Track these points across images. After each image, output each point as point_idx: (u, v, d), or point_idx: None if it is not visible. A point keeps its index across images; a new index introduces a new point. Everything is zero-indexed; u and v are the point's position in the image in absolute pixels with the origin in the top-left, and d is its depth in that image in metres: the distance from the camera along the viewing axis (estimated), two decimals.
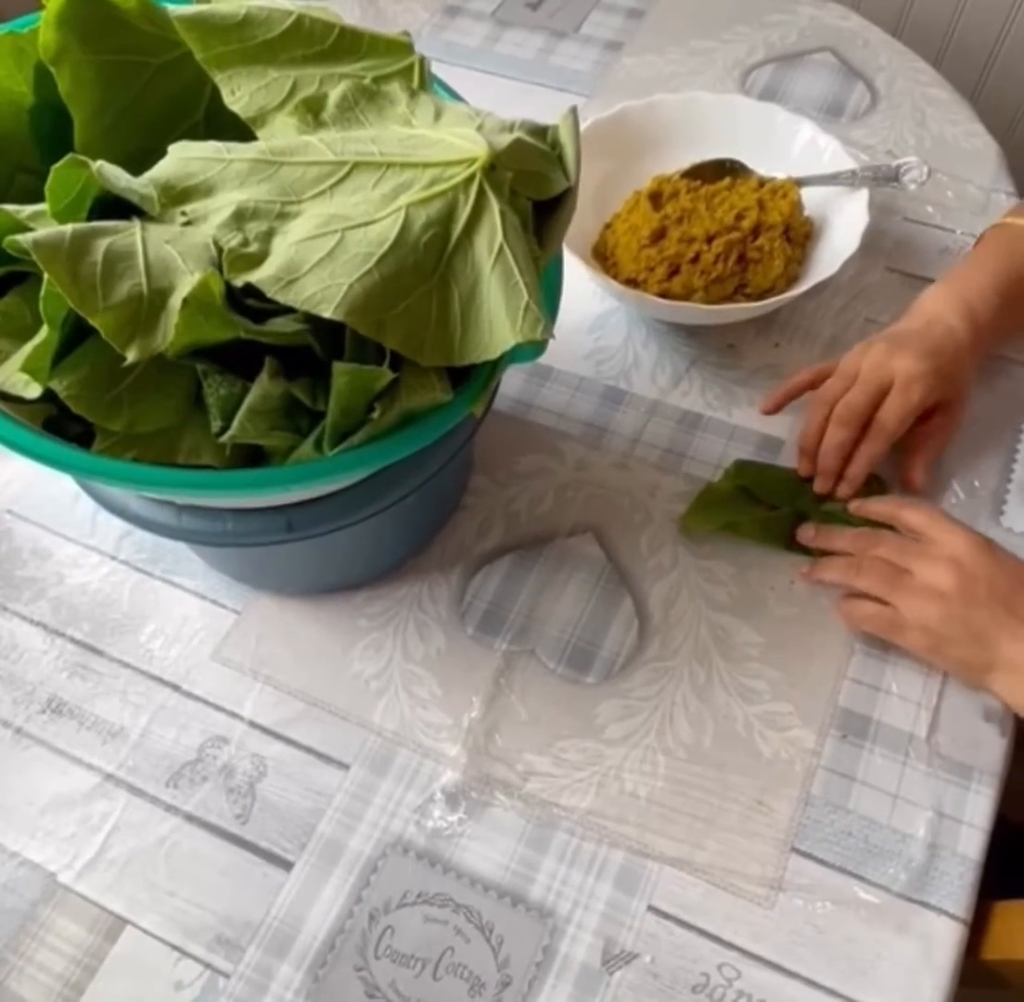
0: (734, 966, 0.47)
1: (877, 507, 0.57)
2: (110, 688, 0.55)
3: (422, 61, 0.44)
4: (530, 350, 0.39)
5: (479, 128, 0.40)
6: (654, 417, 0.65)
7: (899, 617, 0.52)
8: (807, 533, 0.58)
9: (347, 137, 0.39)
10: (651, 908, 0.48)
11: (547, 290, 0.43)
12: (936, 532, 0.52)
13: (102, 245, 0.36)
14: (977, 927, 0.48)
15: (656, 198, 0.67)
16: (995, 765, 0.51)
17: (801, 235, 0.66)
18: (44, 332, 0.37)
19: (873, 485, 0.60)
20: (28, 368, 0.37)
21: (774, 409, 0.63)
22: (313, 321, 0.37)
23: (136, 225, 0.37)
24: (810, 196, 0.67)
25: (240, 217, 0.37)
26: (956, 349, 0.58)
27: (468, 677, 0.55)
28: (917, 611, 0.51)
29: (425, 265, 0.37)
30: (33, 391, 0.38)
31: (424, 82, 0.44)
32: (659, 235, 0.64)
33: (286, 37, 0.42)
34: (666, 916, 0.48)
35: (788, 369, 0.67)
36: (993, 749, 0.52)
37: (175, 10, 0.41)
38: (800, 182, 0.67)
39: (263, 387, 0.38)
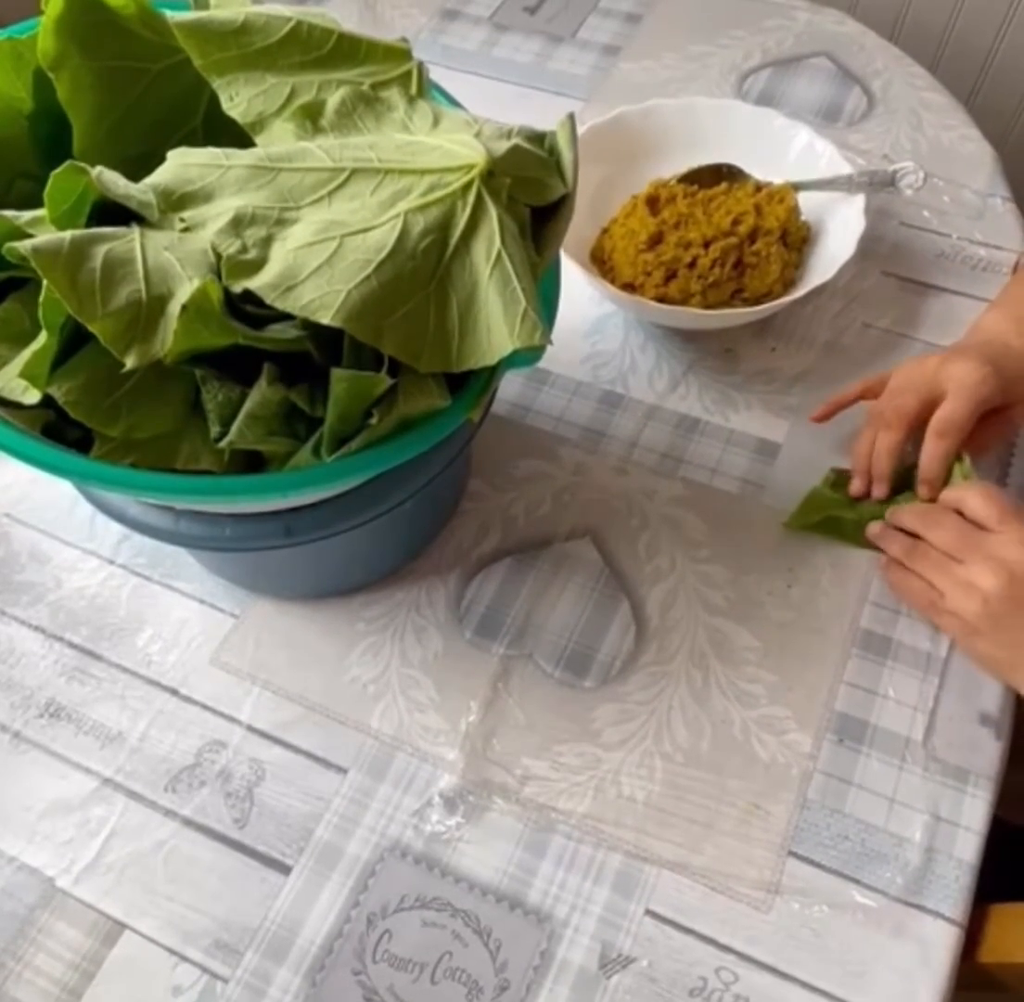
0: (731, 970, 0.47)
1: (948, 494, 0.55)
2: (108, 692, 0.55)
3: (420, 67, 0.44)
4: (528, 356, 0.39)
5: (477, 134, 0.40)
6: (651, 421, 0.65)
7: (941, 601, 0.52)
8: (873, 530, 0.58)
9: (345, 143, 0.40)
10: (648, 912, 0.48)
11: (545, 296, 0.43)
12: (996, 526, 0.51)
13: (101, 251, 0.36)
14: (973, 930, 0.48)
15: (653, 203, 0.67)
16: (991, 769, 0.51)
17: (798, 240, 0.67)
18: (43, 338, 0.37)
19: (904, 492, 0.59)
20: (27, 374, 0.37)
21: (824, 418, 0.63)
22: (311, 327, 0.37)
23: (135, 231, 0.37)
24: (807, 201, 0.68)
25: (238, 223, 0.37)
26: (1013, 360, 0.58)
27: (466, 681, 0.55)
28: (957, 602, 0.51)
29: (423, 272, 0.38)
30: (32, 397, 0.38)
31: (422, 88, 0.44)
32: (656, 240, 0.65)
33: (284, 43, 0.42)
34: (663, 920, 0.48)
35: (785, 373, 0.67)
36: (989, 753, 0.52)
37: (174, 16, 0.41)
38: (797, 187, 0.68)
39: (261, 393, 0.38)
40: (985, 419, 0.57)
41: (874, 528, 0.58)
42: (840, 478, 0.61)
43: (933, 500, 0.57)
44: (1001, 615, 0.50)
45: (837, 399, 0.63)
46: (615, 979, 0.47)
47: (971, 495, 0.53)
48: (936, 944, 0.47)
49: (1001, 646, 0.50)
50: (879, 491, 0.59)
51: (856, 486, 0.60)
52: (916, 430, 0.57)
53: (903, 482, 0.59)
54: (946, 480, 0.58)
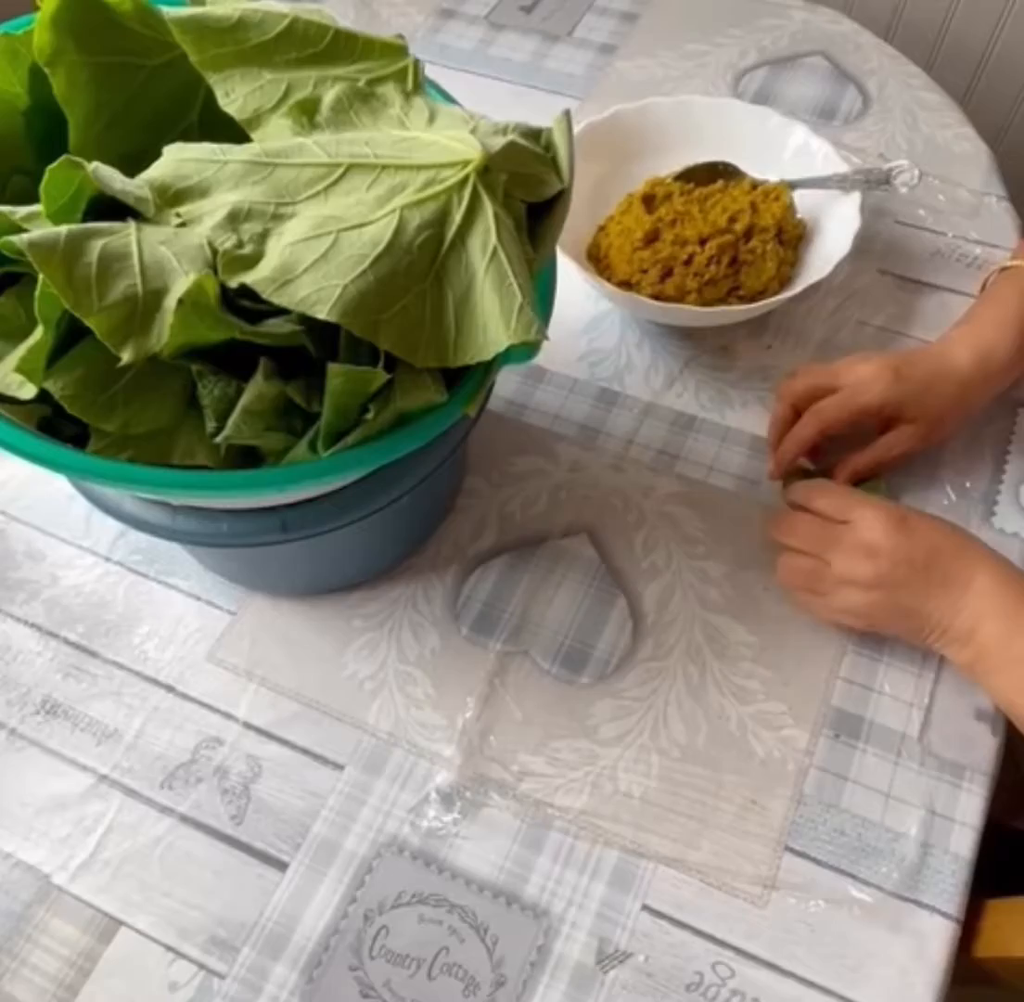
0: (728, 965, 0.47)
1: (792, 495, 0.57)
2: (104, 689, 0.55)
3: (416, 64, 0.44)
4: (524, 352, 0.39)
5: (473, 131, 0.41)
6: (648, 419, 0.65)
7: (831, 604, 0.53)
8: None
9: (341, 139, 0.40)
10: (645, 907, 0.48)
11: (541, 292, 0.43)
12: (850, 513, 0.52)
13: (97, 246, 0.36)
14: (969, 925, 0.48)
15: (649, 201, 0.67)
16: (987, 764, 0.51)
17: (793, 238, 0.67)
18: (39, 333, 0.37)
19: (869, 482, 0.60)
20: (23, 369, 0.37)
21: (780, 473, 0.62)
22: (308, 322, 0.37)
23: (131, 226, 0.37)
24: (802, 199, 0.68)
25: (235, 218, 0.37)
26: (944, 378, 0.57)
27: (463, 677, 0.55)
28: (842, 600, 0.52)
29: (419, 267, 0.38)
30: (28, 392, 0.38)
31: (418, 85, 0.44)
32: (652, 237, 0.65)
33: (280, 40, 0.42)
34: (660, 915, 0.48)
35: (781, 371, 0.67)
36: (985, 748, 0.52)
37: (170, 12, 0.41)
38: (792, 185, 0.68)
39: (258, 388, 0.38)
40: (881, 436, 0.58)
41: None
42: (804, 473, 0.61)
43: (783, 473, 0.59)
44: (886, 598, 0.51)
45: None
46: (612, 974, 0.47)
47: (816, 494, 0.55)
48: (932, 939, 0.47)
49: (901, 620, 0.51)
50: (769, 465, 0.60)
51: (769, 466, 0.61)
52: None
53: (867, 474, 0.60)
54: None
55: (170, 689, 0.55)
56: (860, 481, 0.59)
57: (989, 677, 0.50)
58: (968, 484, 0.61)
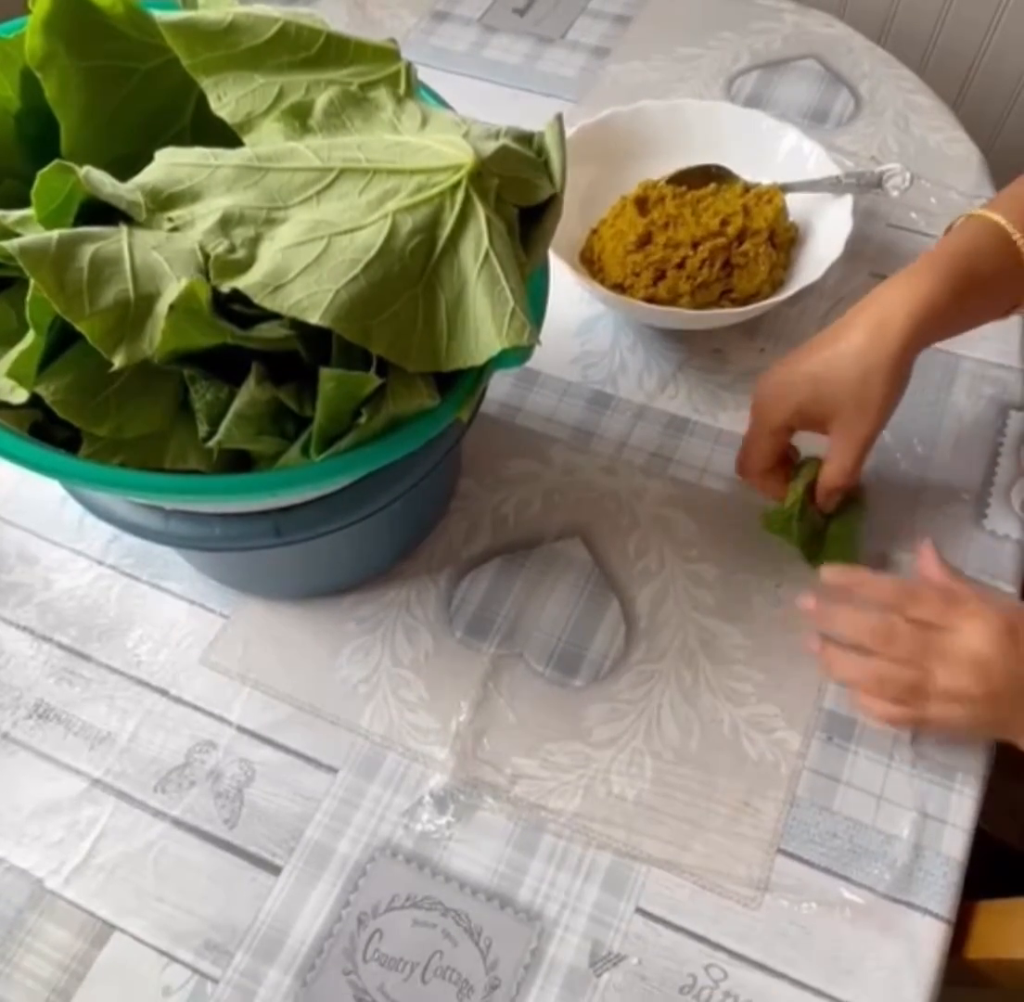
0: (721, 967, 0.47)
1: (882, 593, 0.51)
2: (97, 693, 0.55)
3: (408, 67, 0.44)
4: (516, 355, 0.39)
5: (465, 135, 0.41)
6: (641, 421, 0.65)
7: (924, 715, 0.48)
8: (807, 603, 0.52)
9: (333, 143, 0.40)
10: (639, 910, 0.48)
11: (533, 296, 0.43)
12: (954, 619, 0.48)
13: (88, 251, 0.36)
14: (961, 926, 0.49)
15: (642, 204, 0.67)
16: (978, 766, 0.52)
17: (786, 240, 0.67)
18: (30, 337, 0.37)
19: (852, 504, 0.57)
20: (14, 373, 0.37)
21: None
22: (300, 327, 0.37)
23: (123, 231, 0.37)
24: (794, 202, 0.68)
25: (227, 223, 0.37)
26: (849, 364, 0.51)
27: (456, 681, 0.55)
28: (941, 714, 0.48)
29: (411, 271, 0.38)
30: (19, 396, 0.38)
31: (410, 89, 0.44)
32: (645, 240, 0.65)
33: (272, 43, 0.42)
34: (653, 918, 0.48)
35: None
36: (976, 750, 0.52)
37: (162, 16, 0.41)
38: (785, 188, 0.68)
39: (250, 392, 0.38)
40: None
41: (808, 602, 0.52)
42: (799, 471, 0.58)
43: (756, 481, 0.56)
44: (989, 714, 0.47)
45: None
46: (605, 977, 0.47)
47: (914, 594, 0.49)
48: (924, 940, 0.47)
49: (997, 732, 0.48)
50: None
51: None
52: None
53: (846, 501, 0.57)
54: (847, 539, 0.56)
55: (163, 693, 0.55)
56: (839, 507, 0.56)
57: None
58: (959, 486, 0.62)
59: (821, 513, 0.57)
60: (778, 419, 0.53)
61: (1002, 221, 0.51)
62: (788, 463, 0.57)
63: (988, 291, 0.52)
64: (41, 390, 0.37)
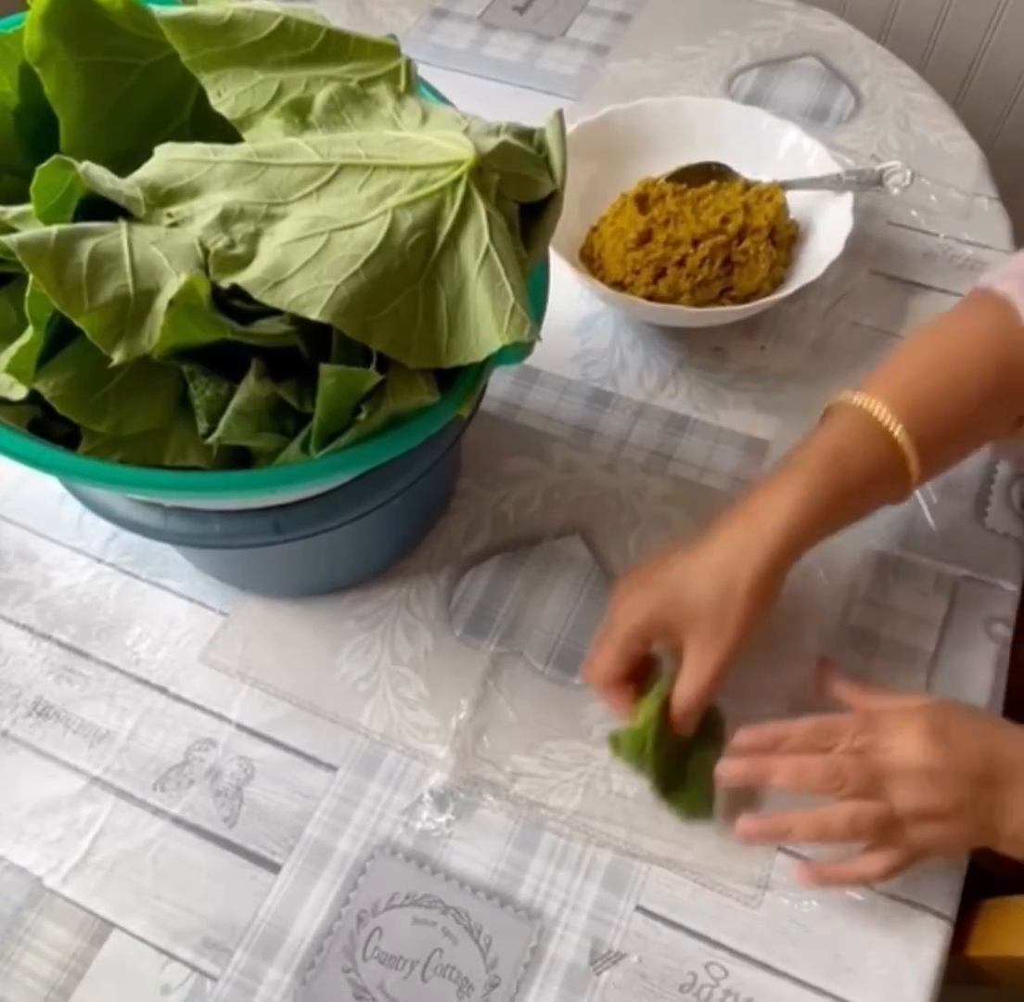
0: (721, 965, 0.47)
1: (802, 739, 0.47)
2: (97, 691, 0.55)
3: (408, 64, 0.44)
4: (517, 352, 0.39)
5: (465, 131, 0.40)
6: (641, 419, 0.65)
7: (908, 843, 0.45)
8: (736, 767, 0.47)
9: (333, 139, 0.40)
10: (639, 908, 0.48)
11: (533, 292, 0.43)
12: (882, 740, 0.45)
13: (88, 246, 0.36)
14: (962, 924, 0.49)
15: (642, 201, 0.67)
16: None
17: (786, 238, 0.67)
18: (29, 333, 0.37)
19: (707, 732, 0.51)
20: (13, 369, 0.37)
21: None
22: (300, 323, 0.37)
23: (122, 226, 0.37)
24: (795, 200, 0.68)
25: (226, 219, 0.37)
26: (709, 576, 0.47)
27: (456, 679, 0.55)
28: (925, 839, 0.45)
29: (411, 267, 0.38)
30: (18, 393, 0.38)
31: (411, 85, 0.44)
32: (645, 238, 0.65)
33: (272, 39, 0.42)
34: (654, 916, 0.48)
35: (774, 371, 0.67)
36: None
37: (161, 12, 0.41)
38: (785, 186, 0.68)
39: (249, 389, 0.38)
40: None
41: (736, 766, 0.47)
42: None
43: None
44: (961, 824, 0.44)
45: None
46: (605, 975, 0.47)
47: (834, 729, 0.46)
48: (925, 939, 0.47)
49: (980, 831, 0.45)
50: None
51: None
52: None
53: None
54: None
55: (163, 691, 0.55)
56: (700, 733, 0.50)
57: None
58: (959, 484, 0.62)
59: (679, 740, 0.49)
60: (628, 626, 0.48)
61: (880, 413, 0.47)
62: (643, 677, 0.50)
63: (865, 490, 0.48)
64: (40, 386, 0.37)
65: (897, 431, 0.47)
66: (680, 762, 0.50)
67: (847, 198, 0.67)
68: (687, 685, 0.48)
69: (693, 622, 0.47)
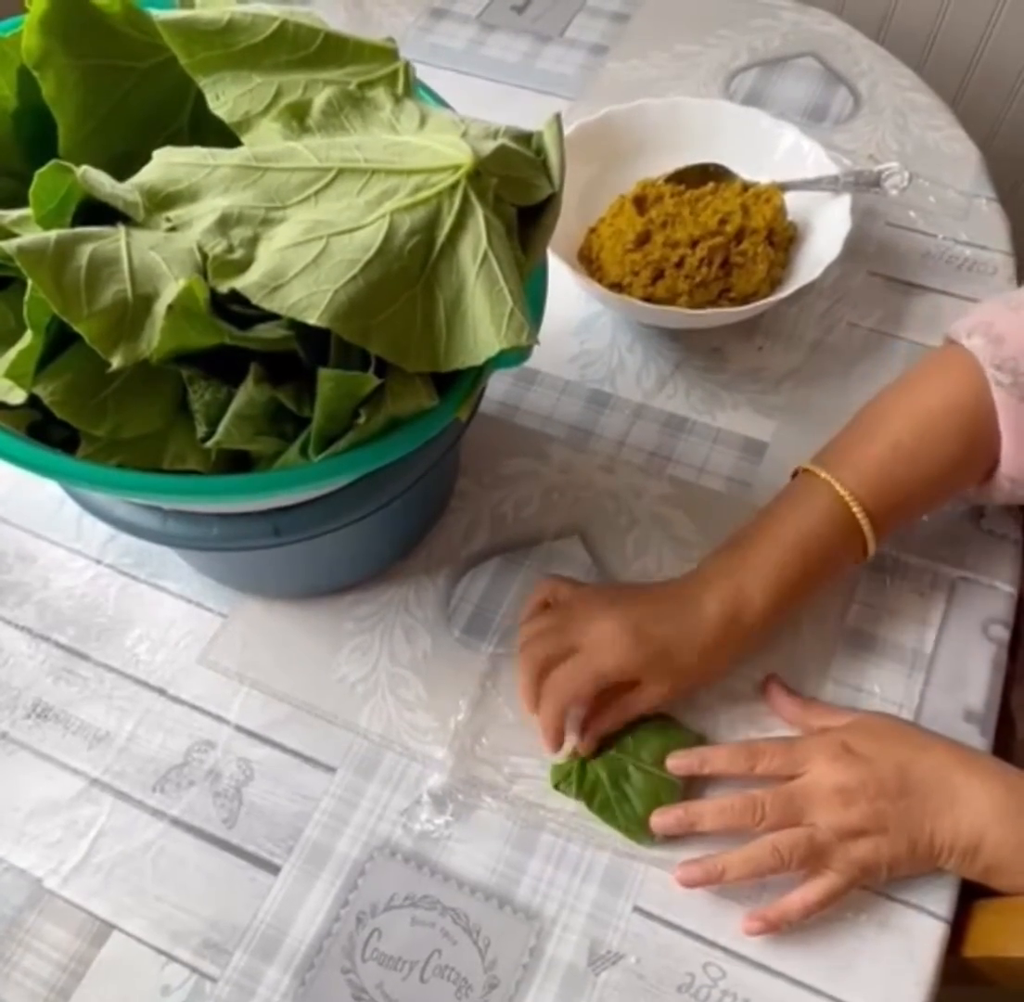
0: (719, 966, 0.47)
1: (725, 762, 0.49)
2: (96, 693, 0.55)
3: (407, 67, 0.44)
4: (515, 355, 0.39)
5: (463, 134, 0.40)
6: (639, 420, 0.65)
7: (846, 858, 0.46)
8: (665, 820, 0.49)
9: (332, 143, 0.40)
10: (637, 909, 0.48)
11: (532, 295, 0.43)
12: (797, 761, 0.48)
13: (86, 251, 0.36)
14: (959, 925, 0.49)
15: (640, 202, 0.67)
16: None
17: (784, 239, 0.67)
18: (28, 337, 0.37)
19: (669, 730, 0.52)
20: (12, 374, 0.37)
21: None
22: (298, 327, 0.37)
23: (120, 231, 0.37)
24: (793, 201, 0.68)
25: (225, 223, 0.37)
26: (688, 639, 0.50)
27: (455, 680, 0.55)
28: (853, 853, 0.46)
29: (410, 272, 0.38)
30: (17, 397, 0.38)
31: (409, 88, 0.44)
32: (643, 239, 0.65)
33: (270, 42, 0.42)
34: (651, 916, 0.48)
35: (772, 372, 0.67)
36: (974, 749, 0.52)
37: (159, 15, 0.41)
38: (783, 187, 0.68)
39: (248, 393, 0.38)
40: (623, 694, 0.51)
41: (666, 819, 0.49)
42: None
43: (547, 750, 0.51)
44: (884, 825, 0.46)
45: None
46: (604, 976, 0.47)
47: (750, 755, 0.49)
48: (922, 939, 0.47)
49: (914, 847, 0.46)
50: (549, 749, 0.51)
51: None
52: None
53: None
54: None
55: (161, 692, 0.55)
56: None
57: (1011, 879, 0.46)
58: None
59: (613, 767, 0.51)
60: (601, 668, 0.49)
61: (849, 499, 0.50)
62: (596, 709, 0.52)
63: (828, 561, 0.52)
64: (39, 390, 0.37)
65: (861, 517, 0.51)
66: (615, 783, 0.51)
67: (845, 199, 0.67)
68: (625, 710, 0.51)
69: (661, 679, 0.50)
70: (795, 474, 0.54)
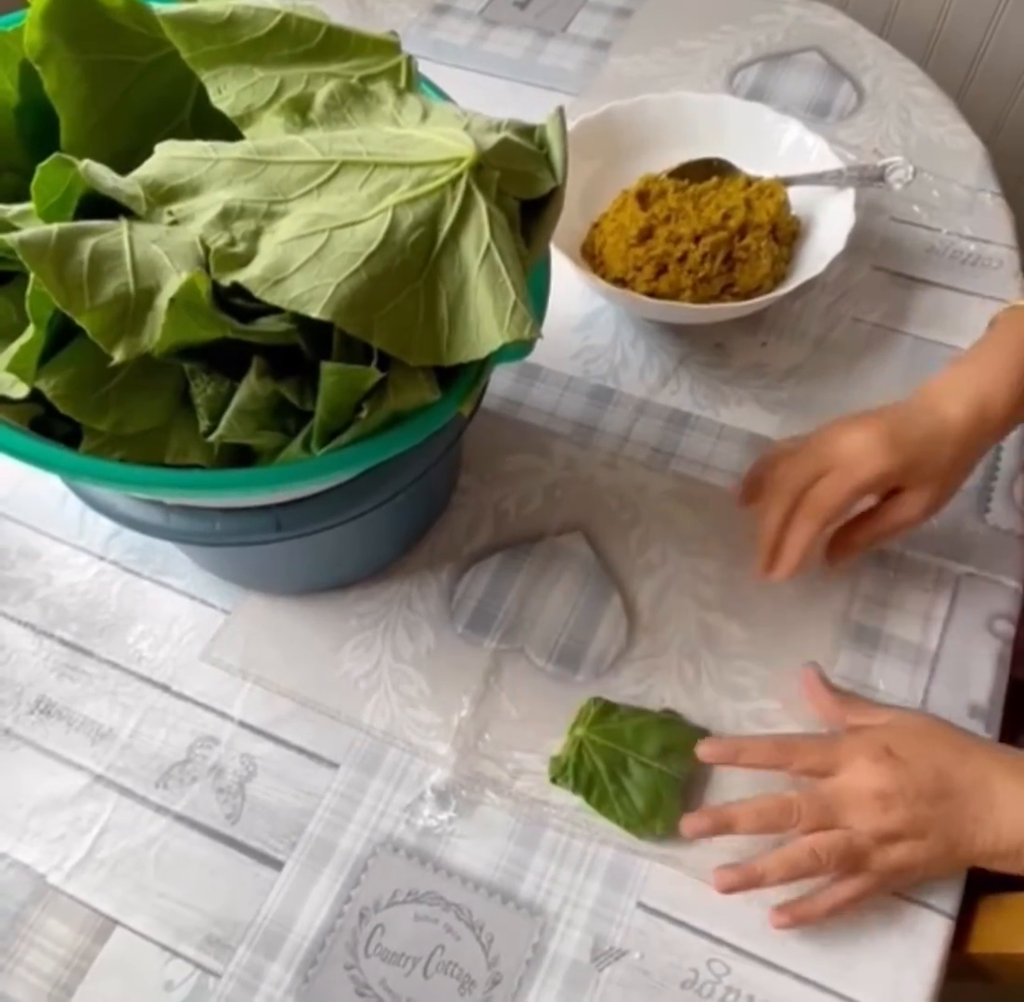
0: (723, 962, 0.47)
1: (762, 756, 0.48)
2: (99, 689, 0.55)
3: (409, 60, 0.44)
4: (518, 349, 0.39)
5: (466, 128, 0.40)
6: (642, 416, 0.65)
7: (882, 866, 0.46)
8: (699, 824, 0.48)
9: (334, 137, 0.39)
10: (640, 905, 0.48)
11: (535, 289, 0.43)
12: (836, 762, 0.47)
13: (89, 244, 0.36)
14: (964, 921, 0.49)
15: (644, 197, 0.67)
16: None
17: (788, 234, 0.67)
18: (30, 331, 0.37)
19: (671, 725, 0.52)
20: (14, 368, 0.37)
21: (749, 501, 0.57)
22: (301, 321, 0.37)
23: (123, 225, 0.37)
24: (797, 195, 0.68)
25: (227, 216, 0.36)
26: (940, 439, 0.51)
27: (458, 676, 0.55)
28: (890, 859, 0.45)
29: (412, 265, 0.38)
30: (20, 391, 0.38)
31: (411, 82, 0.44)
32: (647, 234, 0.65)
33: (273, 36, 0.42)
34: (655, 913, 0.48)
35: (776, 368, 0.67)
36: None
37: (161, 9, 0.41)
38: (787, 182, 0.68)
39: (251, 387, 0.38)
40: (883, 503, 0.53)
41: (700, 823, 0.47)
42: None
43: (777, 574, 0.53)
44: (927, 842, 0.45)
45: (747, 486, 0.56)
46: (607, 971, 0.47)
47: (788, 749, 0.48)
48: (927, 935, 0.47)
49: (949, 848, 0.46)
50: (765, 566, 0.53)
51: (761, 563, 0.54)
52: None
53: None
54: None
55: (165, 688, 0.55)
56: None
57: None
58: None
59: (613, 759, 0.51)
60: (866, 478, 0.50)
61: None
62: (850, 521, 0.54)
63: None
64: (41, 385, 0.37)
65: None
66: (613, 777, 0.50)
67: (849, 194, 0.66)
68: (892, 520, 0.53)
69: (924, 483, 0.51)
70: (992, 323, 0.57)
